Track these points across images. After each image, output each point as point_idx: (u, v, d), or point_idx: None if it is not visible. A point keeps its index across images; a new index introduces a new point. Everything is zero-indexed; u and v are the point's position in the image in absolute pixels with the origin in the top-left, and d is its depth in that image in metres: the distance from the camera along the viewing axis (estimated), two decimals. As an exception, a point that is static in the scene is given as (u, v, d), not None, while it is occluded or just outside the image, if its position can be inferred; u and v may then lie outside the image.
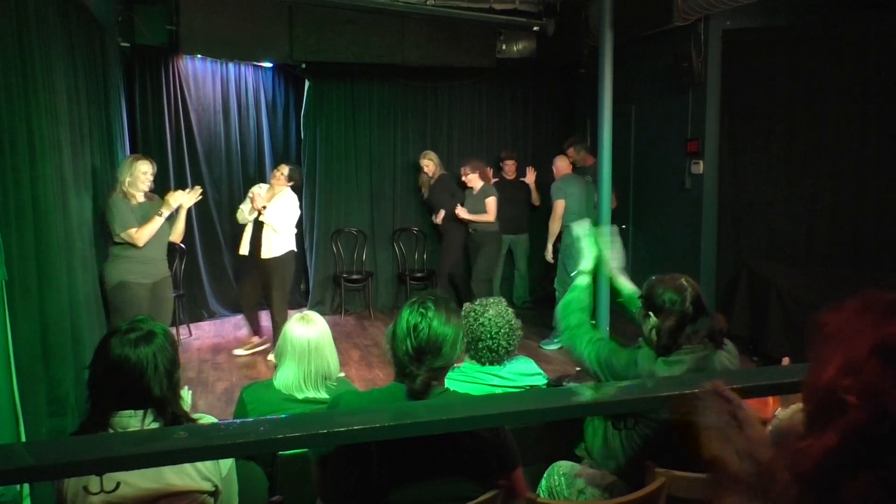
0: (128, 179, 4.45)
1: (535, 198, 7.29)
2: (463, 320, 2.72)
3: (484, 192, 6.49)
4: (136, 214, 4.45)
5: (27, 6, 3.14)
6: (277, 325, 5.64)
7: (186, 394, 2.52)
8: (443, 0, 6.44)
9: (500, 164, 7.29)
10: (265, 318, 5.99)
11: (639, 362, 2.33)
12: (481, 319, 2.69)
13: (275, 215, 5.50)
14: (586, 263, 2.86)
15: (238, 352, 5.84)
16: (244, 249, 5.60)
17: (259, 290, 5.74)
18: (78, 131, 4.06)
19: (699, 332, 2.31)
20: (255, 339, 5.89)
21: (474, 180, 6.47)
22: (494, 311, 2.72)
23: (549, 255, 6.20)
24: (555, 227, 6.08)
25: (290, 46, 6.27)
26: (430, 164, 6.89)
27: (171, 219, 4.73)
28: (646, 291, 2.40)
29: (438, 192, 6.85)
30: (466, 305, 2.83)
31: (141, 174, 4.49)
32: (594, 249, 2.88)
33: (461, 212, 6.46)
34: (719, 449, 1.13)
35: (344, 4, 6.24)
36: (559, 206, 6.04)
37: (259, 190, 5.62)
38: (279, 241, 5.52)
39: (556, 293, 6.01)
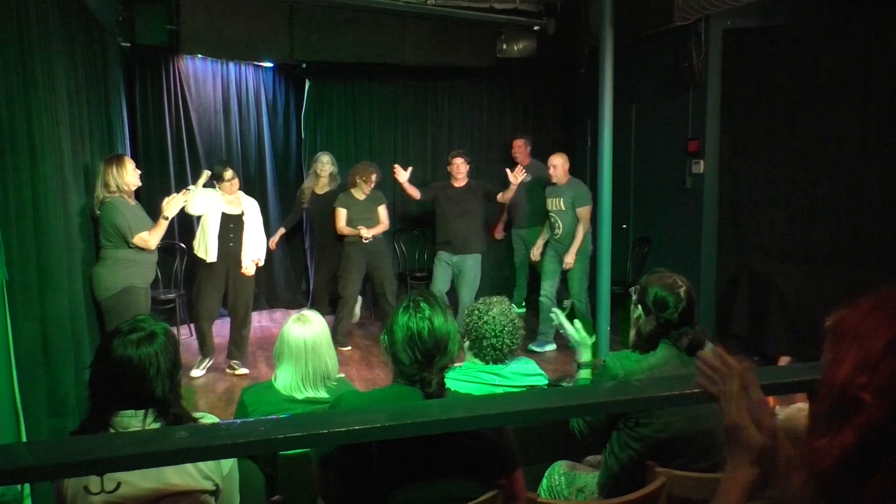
0: (123, 181, 4.25)
1: (504, 196, 6.02)
2: (467, 318, 2.73)
3: (373, 200, 5.98)
4: (137, 217, 4.38)
5: (27, 6, 3.14)
6: (246, 337, 5.49)
7: (191, 393, 2.53)
8: (443, 0, 6.45)
9: (447, 165, 6.10)
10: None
11: (609, 366, 2.33)
12: (485, 318, 2.68)
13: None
14: (582, 355, 2.68)
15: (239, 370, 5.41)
16: (214, 255, 5.10)
17: (220, 299, 5.33)
18: (78, 131, 4.06)
19: (682, 338, 2.30)
20: (237, 364, 5.42)
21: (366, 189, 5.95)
22: (498, 310, 2.70)
23: (570, 259, 5.76)
24: (583, 232, 5.76)
25: (290, 46, 6.28)
26: (328, 167, 6.28)
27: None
28: (644, 283, 2.40)
29: (330, 203, 6.10)
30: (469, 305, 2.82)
31: (134, 171, 4.34)
32: (581, 335, 2.70)
33: (367, 232, 5.78)
34: (737, 416, 1.16)
35: (344, 4, 6.25)
36: (588, 212, 5.75)
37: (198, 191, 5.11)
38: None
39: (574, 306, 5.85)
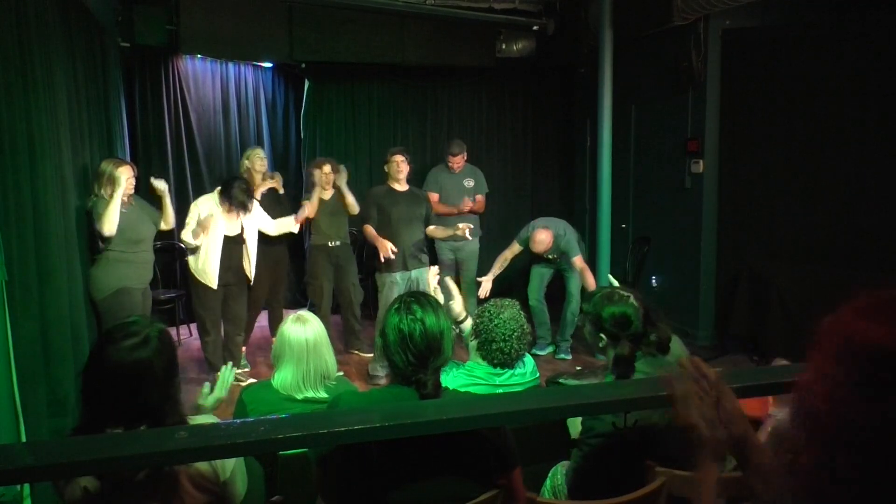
0: (108, 188, 4.18)
1: (434, 233, 5.32)
2: (477, 319, 2.74)
3: (340, 198, 5.66)
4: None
5: (27, 6, 3.14)
6: (239, 345, 5.32)
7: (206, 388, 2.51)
8: (442, 0, 6.45)
9: (385, 164, 5.43)
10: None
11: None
12: (496, 321, 2.68)
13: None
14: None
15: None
16: (215, 281, 4.89)
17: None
18: (78, 131, 4.06)
19: (650, 345, 2.27)
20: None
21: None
22: (509, 314, 2.70)
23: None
24: (588, 275, 5.33)
25: (290, 46, 6.28)
26: (266, 163, 5.76)
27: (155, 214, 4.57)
28: (592, 310, 2.30)
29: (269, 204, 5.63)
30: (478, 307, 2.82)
31: (124, 181, 4.23)
32: None
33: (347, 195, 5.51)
34: (690, 416, 1.22)
35: (344, 4, 6.25)
36: (582, 259, 5.42)
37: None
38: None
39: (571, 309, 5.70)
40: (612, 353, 2.28)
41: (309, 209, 5.45)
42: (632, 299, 2.26)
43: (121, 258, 4.24)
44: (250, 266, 5.13)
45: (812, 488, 0.81)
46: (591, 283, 5.23)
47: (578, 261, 5.39)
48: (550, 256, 5.58)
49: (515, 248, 5.57)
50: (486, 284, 5.14)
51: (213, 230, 4.83)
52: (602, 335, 2.28)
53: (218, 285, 4.94)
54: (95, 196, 4.19)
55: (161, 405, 1.73)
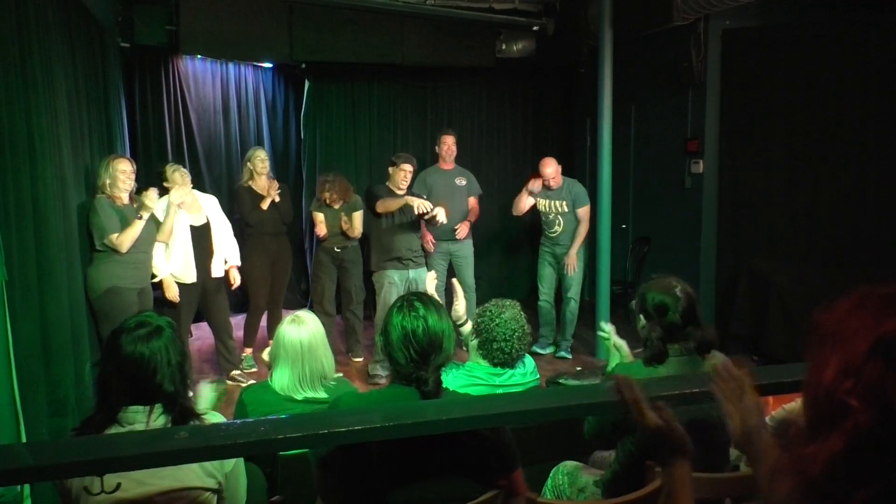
0: (107, 181, 4.16)
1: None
2: (478, 318, 2.75)
3: (349, 208, 5.54)
4: (119, 216, 4.17)
5: (27, 6, 3.14)
6: (233, 348, 5.18)
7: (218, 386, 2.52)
8: (442, 0, 6.45)
9: (392, 166, 5.36)
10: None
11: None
12: (497, 321, 2.69)
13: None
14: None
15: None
16: (193, 275, 4.71)
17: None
18: (78, 131, 4.06)
19: (689, 341, 2.29)
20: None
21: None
22: (510, 314, 2.71)
23: (572, 259, 5.62)
24: (584, 232, 5.61)
25: (290, 46, 6.27)
26: (266, 163, 5.53)
27: (155, 218, 4.45)
28: (641, 290, 2.41)
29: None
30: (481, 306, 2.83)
31: (119, 173, 4.18)
32: (624, 353, 2.79)
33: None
34: (649, 419, 1.34)
35: (344, 4, 6.25)
36: (588, 211, 5.62)
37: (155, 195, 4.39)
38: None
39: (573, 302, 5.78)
40: (647, 333, 2.36)
41: (322, 233, 5.47)
42: (677, 290, 2.31)
43: (114, 258, 4.18)
44: (213, 261, 4.86)
45: (828, 484, 0.81)
46: (582, 233, 5.56)
47: (584, 211, 5.59)
48: (559, 206, 5.63)
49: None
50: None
51: (176, 225, 4.63)
52: (642, 316, 2.36)
53: (196, 292, 4.79)
54: (101, 195, 4.17)
55: (175, 391, 1.81)
